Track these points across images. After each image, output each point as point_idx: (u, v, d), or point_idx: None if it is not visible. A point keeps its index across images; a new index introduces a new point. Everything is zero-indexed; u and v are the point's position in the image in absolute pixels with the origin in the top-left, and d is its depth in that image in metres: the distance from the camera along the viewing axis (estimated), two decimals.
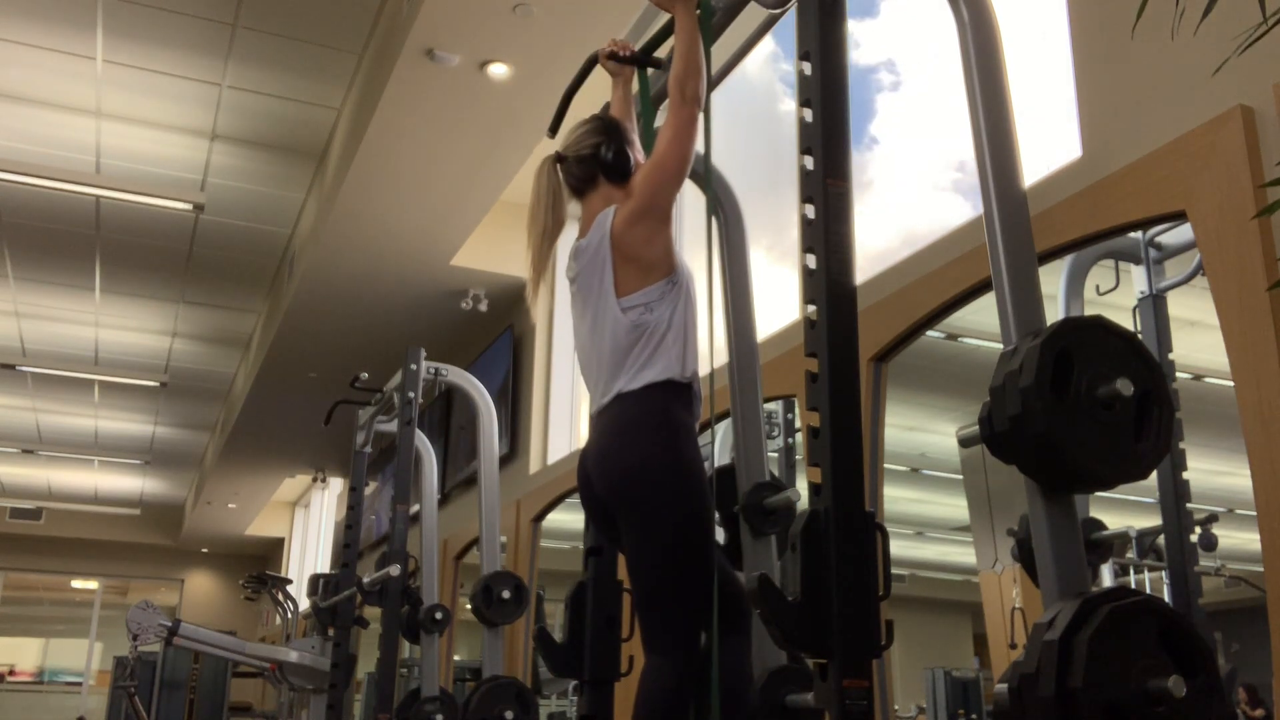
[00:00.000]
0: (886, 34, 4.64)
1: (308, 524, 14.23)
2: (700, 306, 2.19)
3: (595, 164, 2.20)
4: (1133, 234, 2.87)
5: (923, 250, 3.29)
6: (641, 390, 2.04)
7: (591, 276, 2.13)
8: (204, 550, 16.93)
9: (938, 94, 4.37)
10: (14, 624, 17.00)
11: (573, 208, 2.30)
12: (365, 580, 5.15)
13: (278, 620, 11.35)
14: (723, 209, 2.69)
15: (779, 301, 4.24)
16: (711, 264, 2.21)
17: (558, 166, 2.23)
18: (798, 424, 4.05)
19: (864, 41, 4.64)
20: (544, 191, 2.20)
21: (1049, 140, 3.00)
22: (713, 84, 2.24)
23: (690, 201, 5.04)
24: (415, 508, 5.76)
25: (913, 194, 4.58)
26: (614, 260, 2.09)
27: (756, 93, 5.41)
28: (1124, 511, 3.04)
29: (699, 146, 2.23)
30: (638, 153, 2.27)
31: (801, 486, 2.12)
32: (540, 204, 2.19)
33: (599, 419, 2.11)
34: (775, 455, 4.07)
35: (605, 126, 2.25)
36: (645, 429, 2.02)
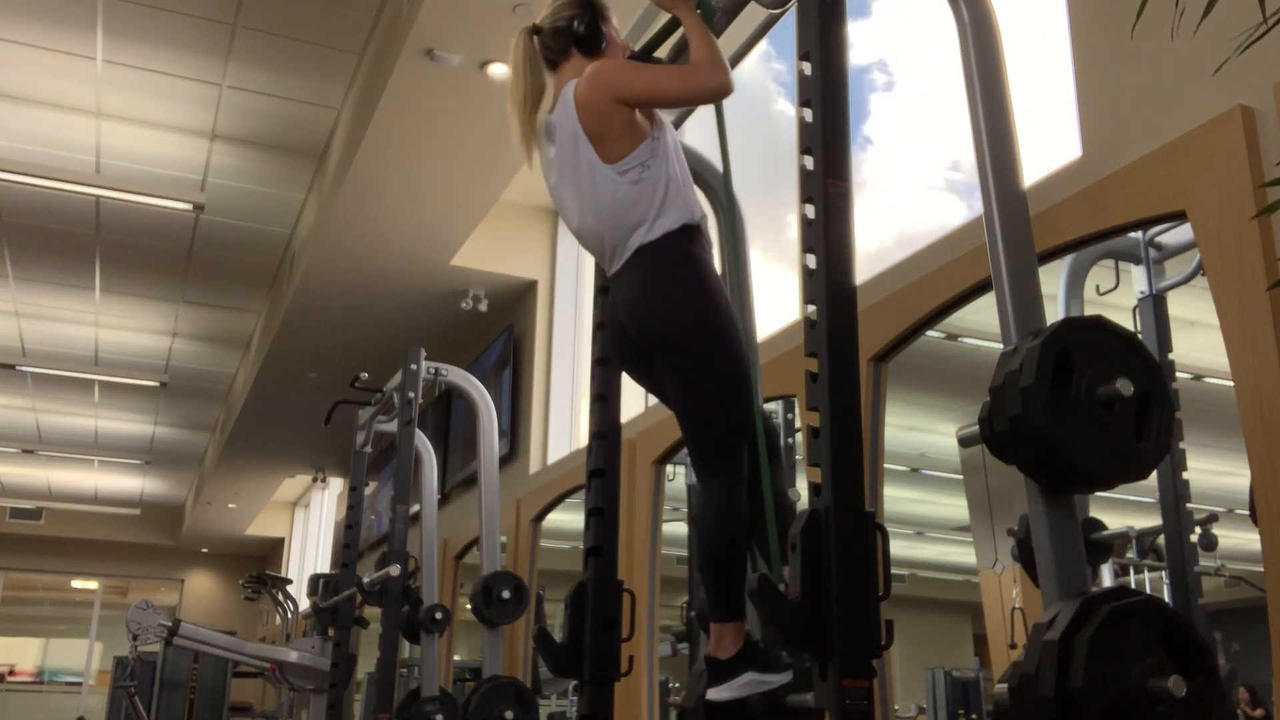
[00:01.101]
0: (879, 34, 4.65)
1: (308, 524, 14.23)
2: None
3: (568, 36, 2.23)
4: (1133, 234, 2.87)
5: (922, 250, 3.29)
6: (661, 239, 2.10)
7: (569, 150, 2.17)
8: (204, 550, 16.92)
9: (931, 94, 4.38)
10: (14, 624, 17.00)
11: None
12: (365, 580, 5.16)
13: (278, 620, 11.35)
14: (723, 209, 2.69)
15: (775, 301, 4.25)
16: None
17: (534, 38, 2.27)
18: (798, 424, 4.05)
19: (857, 41, 4.65)
20: (520, 60, 2.24)
21: (1049, 140, 3.00)
22: None
23: None
24: (415, 508, 5.76)
25: (907, 194, 4.58)
26: (588, 134, 2.13)
27: (750, 93, 5.42)
28: (1124, 511, 3.04)
29: (717, 163, 2.25)
30: (612, 29, 2.29)
31: (801, 486, 2.13)
32: (519, 72, 2.24)
33: (624, 276, 2.15)
34: None
35: (582, 0, 2.27)
36: (676, 273, 2.09)
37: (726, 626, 2.01)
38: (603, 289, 2.46)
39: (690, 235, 2.12)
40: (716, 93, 2.09)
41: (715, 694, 1.99)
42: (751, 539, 2.11)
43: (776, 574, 2.06)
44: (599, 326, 2.53)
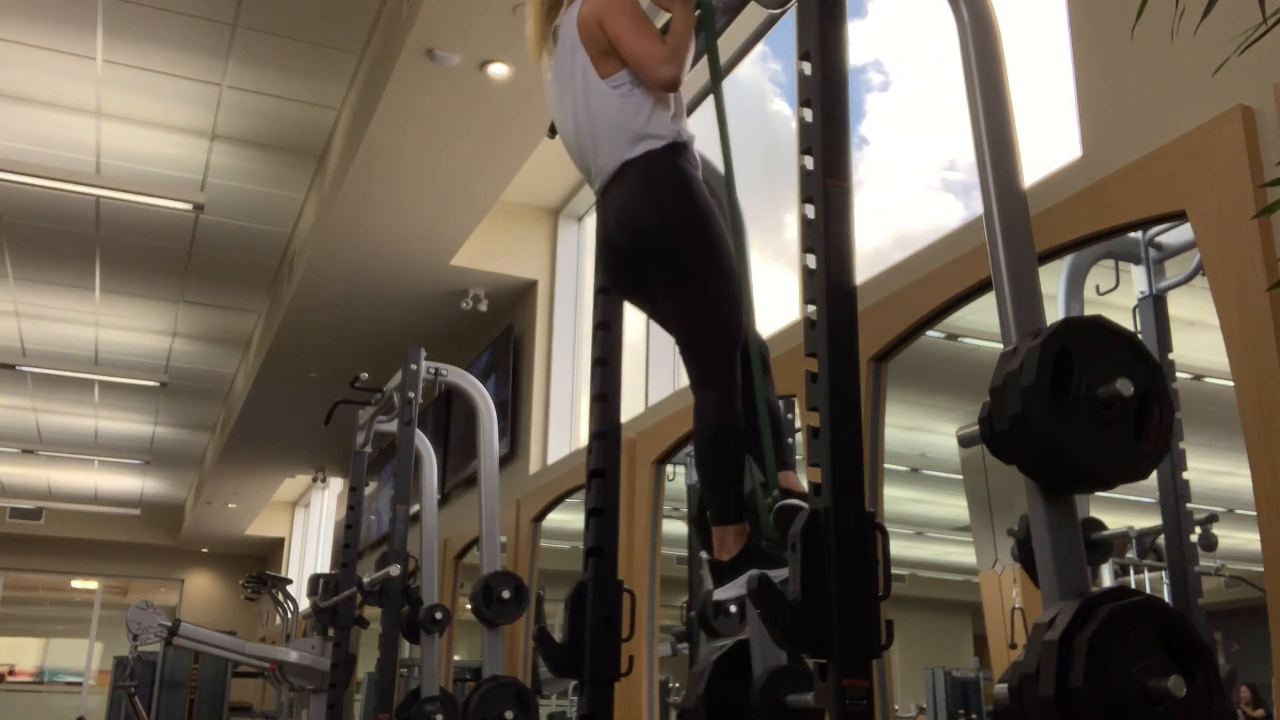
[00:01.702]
0: (875, 34, 4.65)
1: (308, 524, 14.23)
2: None
3: None
4: (1133, 234, 2.86)
5: (922, 250, 3.29)
6: (646, 154, 2.14)
7: (566, 66, 2.24)
8: (204, 550, 16.93)
9: (927, 93, 4.38)
10: (14, 624, 17.00)
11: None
12: (365, 580, 5.16)
13: (278, 620, 11.35)
14: (722, 209, 2.69)
15: (773, 301, 4.26)
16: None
17: None
18: (798, 424, 4.05)
19: (852, 42, 4.69)
20: None
21: (1049, 140, 3.00)
22: (715, 84, 2.25)
23: None
24: (415, 508, 5.76)
25: (904, 193, 4.59)
26: (587, 50, 2.20)
27: (746, 93, 5.43)
28: (1124, 511, 3.04)
29: (719, 165, 2.26)
30: None
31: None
32: None
33: (610, 190, 2.20)
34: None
35: None
36: (663, 186, 2.13)
37: (729, 529, 2.06)
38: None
39: (676, 150, 2.16)
40: (659, 82, 2.14)
41: (721, 593, 2.04)
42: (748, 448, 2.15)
43: (772, 478, 2.10)
44: (599, 327, 2.54)
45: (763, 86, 5.57)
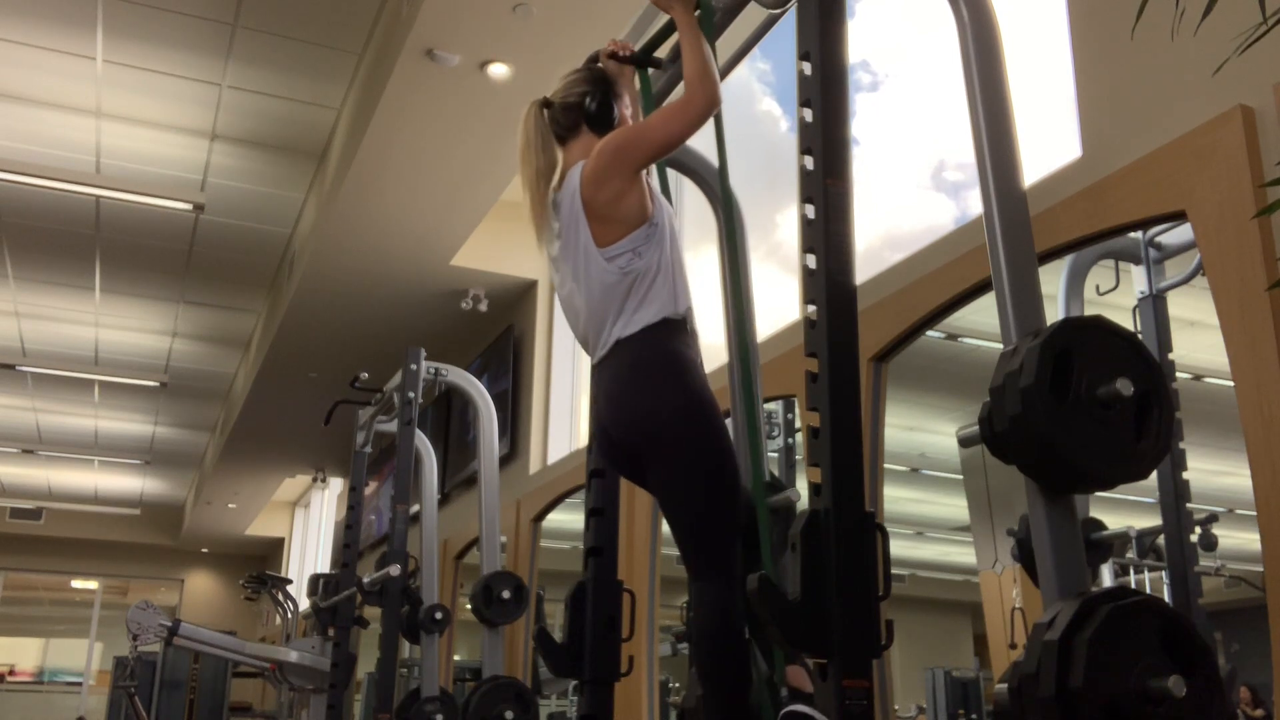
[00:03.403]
0: (864, 35, 4.66)
1: (308, 524, 14.23)
2: (704, 304, 2.18)
3: (580, 113, 2.21)
4: (1133, 234, 2.87)
5: (922, 250, 3.29)
6: (640, 333, 2.04)
7: (570, 230, 2.13)
8: (204, 550, 16.92)
9: (917, 93, 4.38)
10: (14, 624, 17.00)
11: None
12: (365, 580, 5.16)
13: (278, 620, 11.34)
14: (722, 209, 2.69)
15: (764, 301, 4.26)
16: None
17: (544, 111, 2.24)
18: (798, 424, 4.05)
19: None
20: (531, 133, 2.20)
21: (1049, 140, 3.00)
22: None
23: (690, 201, 5.05)
24: (415, 508, 5.76)
25: (895, 193, 4.59)
26: (587, 216, 2.09)
27: (734, 94, 5.43)
28: (1124, 511, 3.04)
29: (714, 159, 2.23)
30: (625, 107, 2.27)
31: (801, 486, 2.13)
32: (530, 146, 2.19)
33: (602, 369, 2.12)
34: (775, 455, 4.07)
35: (594, 76, 2.25)
36: (654, 370, 2.02)
37: None
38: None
39: (670, 328, 2.06)
40: (710, 110, 2.04)
41: None
42: (752, 637, 2.01)
43: (779, 675, 2.01)
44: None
45: (751, 86, 5.57)
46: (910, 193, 4.53)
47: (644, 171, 2.13)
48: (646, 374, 2.02)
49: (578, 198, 2.10)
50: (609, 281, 2.06)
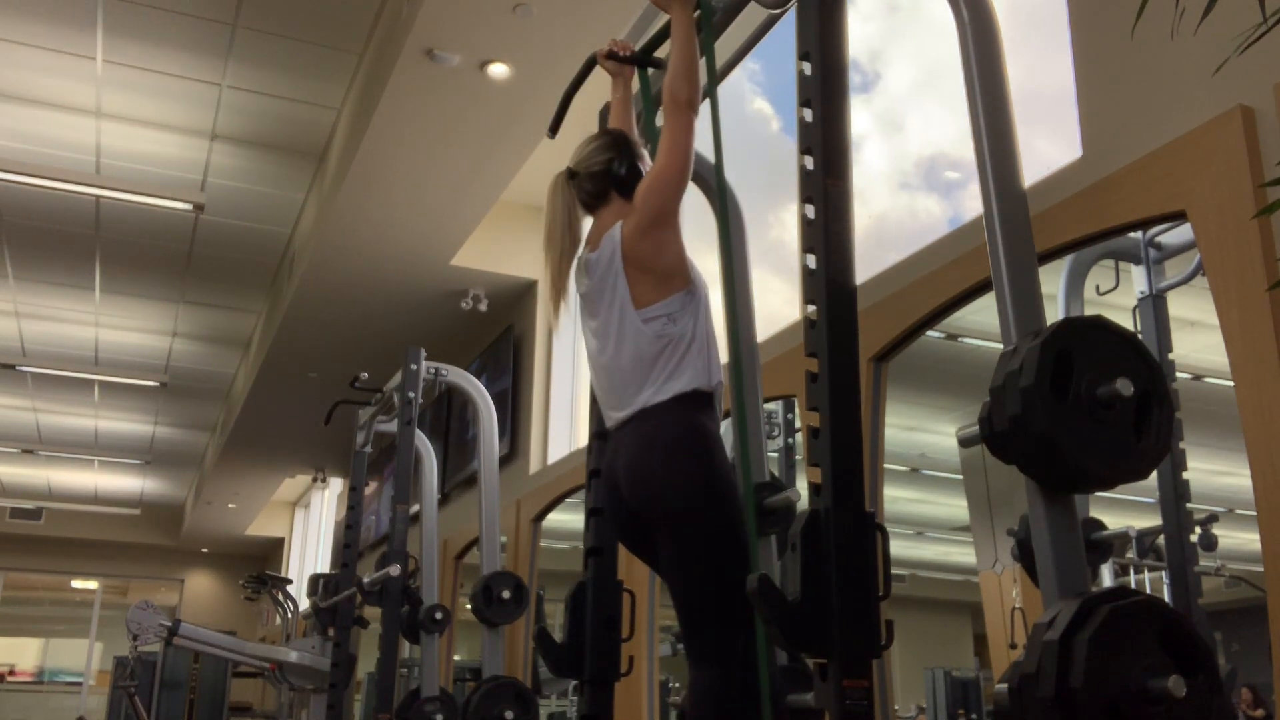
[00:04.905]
0: (854, 35, 4.67)
1: (308, 524, 14.23)
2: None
3: (608, 179, 2.19)
4: (1133, 234, 2.87)
5: (922, 250, 3.29)
6: (669, 402, 2.01)
7: (605, 290, 2.11)
8: (204, 550, 16.92)
9: (910, 94, 4.38)
10: (14, 624, 17.00)
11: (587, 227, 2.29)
12: (365, 580, 5.16)
13: (278, 620, 11.35)
14: (718, 202, 2.68)
15: (758, 300, 4.27)
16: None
17: (570, 182, 2.22)
18: (798, 424, 4.05)
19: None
20: (559, 210, 2.19)
21: (1049, 140, 3.00)
22: (716, 84, 2.24)
23: (690, 202, 5.04)
24: (415, 508, 5.76)
25: (886, 192, 4.59)
26: (628, 273, 2.07)
27: (724, 94, 5.43)
28: (1124, 511, 3.04)
29: (709, 153, 2.22)
30: (646, 164, 2.25)
31: (801, 486, 2.13)
32: (556, 224, 2.18)
33: (624, 432, 2.07)
34: (775, 455, 4.07)
35: (616, 141, 2.24)
36: (681, 446, 1.99)
37: None
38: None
39: (698, 401, 2.03)
40: (693, 104, 2.06)
41: None
42: None
43: None
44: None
45: (741, 86, 5.56)
46: (901, 191, 4.54)
47: (680, 230, 2.12)
48: (673, 448, 1.99)
49: (618, 255, 2.09)
50: (642, 344, 2.04)
